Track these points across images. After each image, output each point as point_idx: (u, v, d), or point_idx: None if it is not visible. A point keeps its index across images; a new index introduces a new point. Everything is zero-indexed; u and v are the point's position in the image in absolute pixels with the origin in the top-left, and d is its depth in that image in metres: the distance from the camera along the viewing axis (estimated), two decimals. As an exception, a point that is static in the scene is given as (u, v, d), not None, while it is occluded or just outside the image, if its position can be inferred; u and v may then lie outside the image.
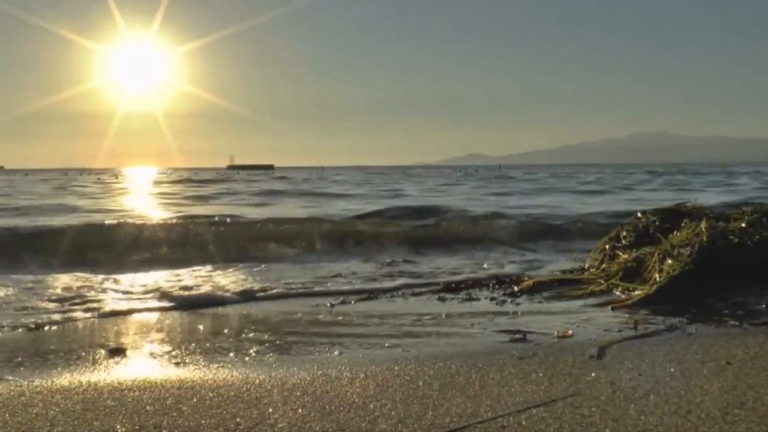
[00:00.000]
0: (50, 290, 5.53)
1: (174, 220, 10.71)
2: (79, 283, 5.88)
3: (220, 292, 5.49)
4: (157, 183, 38.98)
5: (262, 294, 5.51)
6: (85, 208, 15.75)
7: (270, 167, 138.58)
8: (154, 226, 9.67)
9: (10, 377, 3.09)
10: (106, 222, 10.17)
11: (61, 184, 35.31)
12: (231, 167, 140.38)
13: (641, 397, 2.64)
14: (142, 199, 22.71)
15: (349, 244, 8.98)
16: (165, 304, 5.03)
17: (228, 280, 6.20)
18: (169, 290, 5.48)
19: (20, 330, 4.16)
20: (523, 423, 2.39)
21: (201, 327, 4.32)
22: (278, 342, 3.82)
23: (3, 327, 4.22)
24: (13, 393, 2.87)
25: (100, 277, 6.29)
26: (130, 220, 10.28)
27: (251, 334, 4.02)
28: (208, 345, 3.75)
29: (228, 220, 10.80)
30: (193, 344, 3.77)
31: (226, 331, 4.16)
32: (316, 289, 5.77)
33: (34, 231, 9.03)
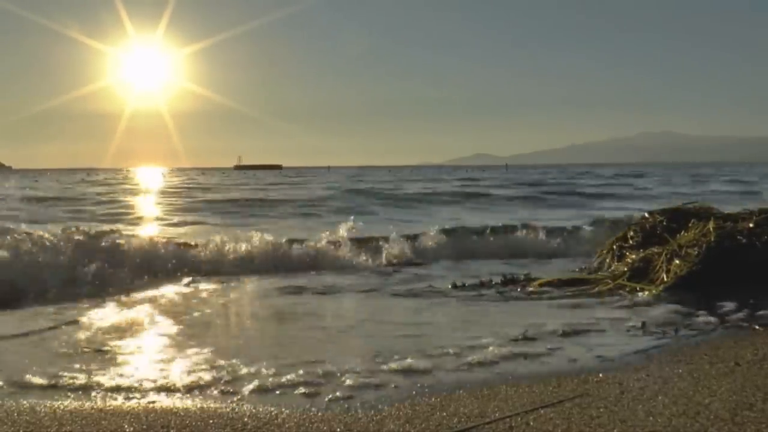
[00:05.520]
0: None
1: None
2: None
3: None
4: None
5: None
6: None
7: (278, 167, 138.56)
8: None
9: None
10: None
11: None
12: (238, 167, 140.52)
13: (649, 398, 2.63)
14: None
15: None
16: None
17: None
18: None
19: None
20: (531, 423, 2.38)
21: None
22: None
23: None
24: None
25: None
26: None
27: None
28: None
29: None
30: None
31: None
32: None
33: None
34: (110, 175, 62.56)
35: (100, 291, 5.49)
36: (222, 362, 3.30)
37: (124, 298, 5.23)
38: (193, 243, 7.57)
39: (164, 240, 7.52)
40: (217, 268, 6.73)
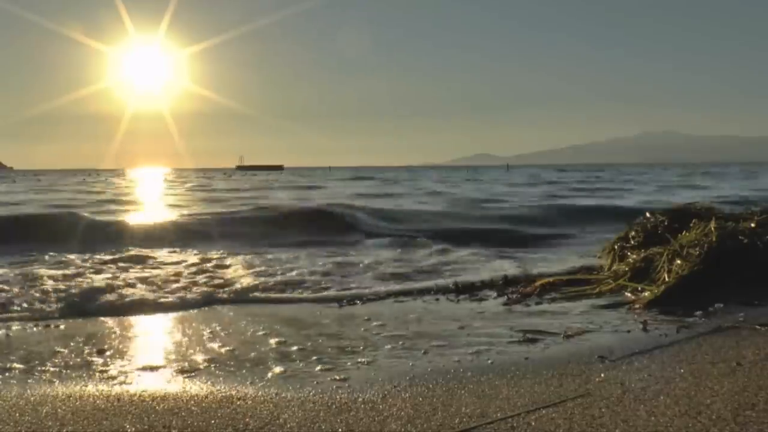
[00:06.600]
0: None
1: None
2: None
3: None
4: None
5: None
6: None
7: (279, 167, 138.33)
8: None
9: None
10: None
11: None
12: (240, 167, 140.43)
13: (651, 398, 2.63)
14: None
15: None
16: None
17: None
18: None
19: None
20: (533, 424, 2.38)
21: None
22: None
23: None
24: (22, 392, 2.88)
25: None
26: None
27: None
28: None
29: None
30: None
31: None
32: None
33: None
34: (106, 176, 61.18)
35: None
36: (225, 362, 3.32)
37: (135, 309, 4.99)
38: None
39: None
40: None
